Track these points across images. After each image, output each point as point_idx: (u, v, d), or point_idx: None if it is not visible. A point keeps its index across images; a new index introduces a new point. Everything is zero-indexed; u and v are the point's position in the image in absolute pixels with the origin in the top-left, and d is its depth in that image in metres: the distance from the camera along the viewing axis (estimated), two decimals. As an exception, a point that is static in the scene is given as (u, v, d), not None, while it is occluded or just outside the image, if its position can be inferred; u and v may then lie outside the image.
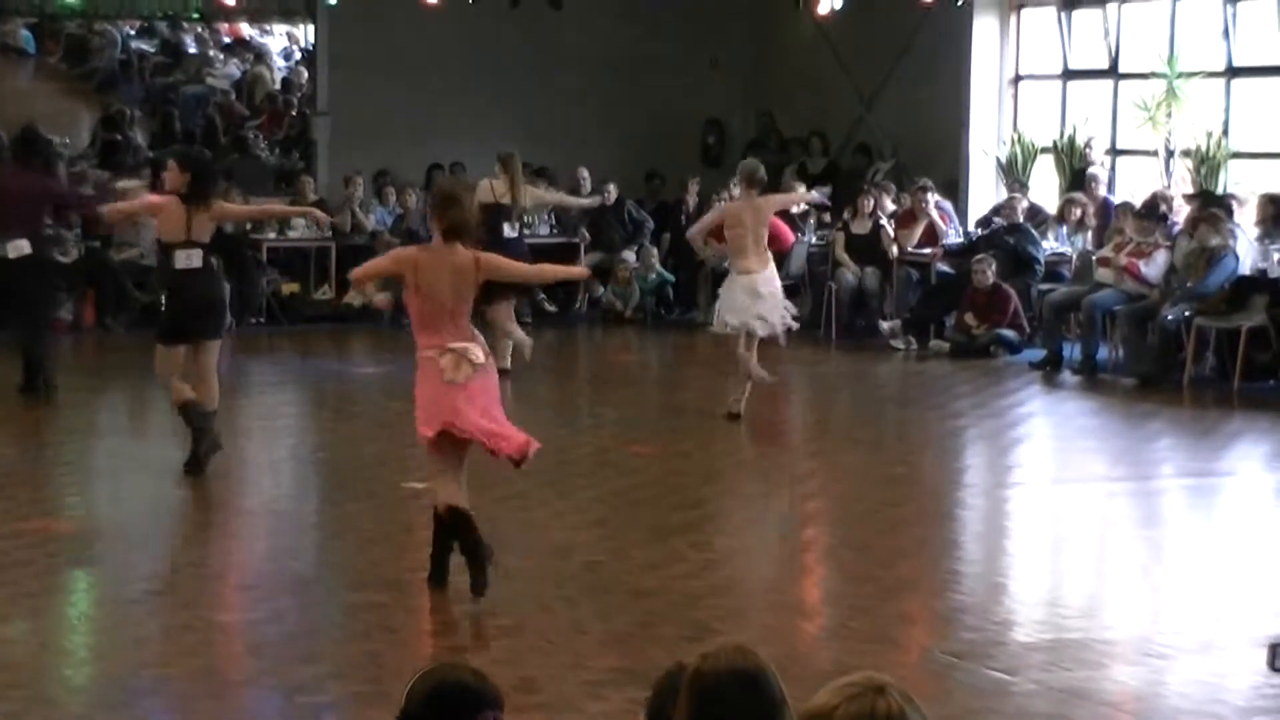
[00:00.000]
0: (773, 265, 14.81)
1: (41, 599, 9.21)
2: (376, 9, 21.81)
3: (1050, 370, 17.31)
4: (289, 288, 20.58)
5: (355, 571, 9.74)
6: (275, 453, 13.82)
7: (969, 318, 18.36)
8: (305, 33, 26.65)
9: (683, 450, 13.43)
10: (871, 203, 19.92)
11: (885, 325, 19.26)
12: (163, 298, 12.85)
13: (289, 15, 26.06)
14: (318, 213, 15.17)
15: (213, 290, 12.51)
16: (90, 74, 26.80)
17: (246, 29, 29.24)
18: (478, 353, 9.27)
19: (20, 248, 14.88)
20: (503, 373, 16.96)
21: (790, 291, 20.39)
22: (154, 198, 12.93)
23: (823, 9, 21.21)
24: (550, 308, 21.40)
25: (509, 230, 16.52)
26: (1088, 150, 19.60)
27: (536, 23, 22.04)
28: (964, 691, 7.69)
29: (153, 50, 27.72)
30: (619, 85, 22.61)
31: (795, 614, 9.14)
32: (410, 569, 9.90)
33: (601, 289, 21.24)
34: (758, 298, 14.48)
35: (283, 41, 29.24)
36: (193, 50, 27.86)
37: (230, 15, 26.79)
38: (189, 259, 12.12)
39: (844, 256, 19.87)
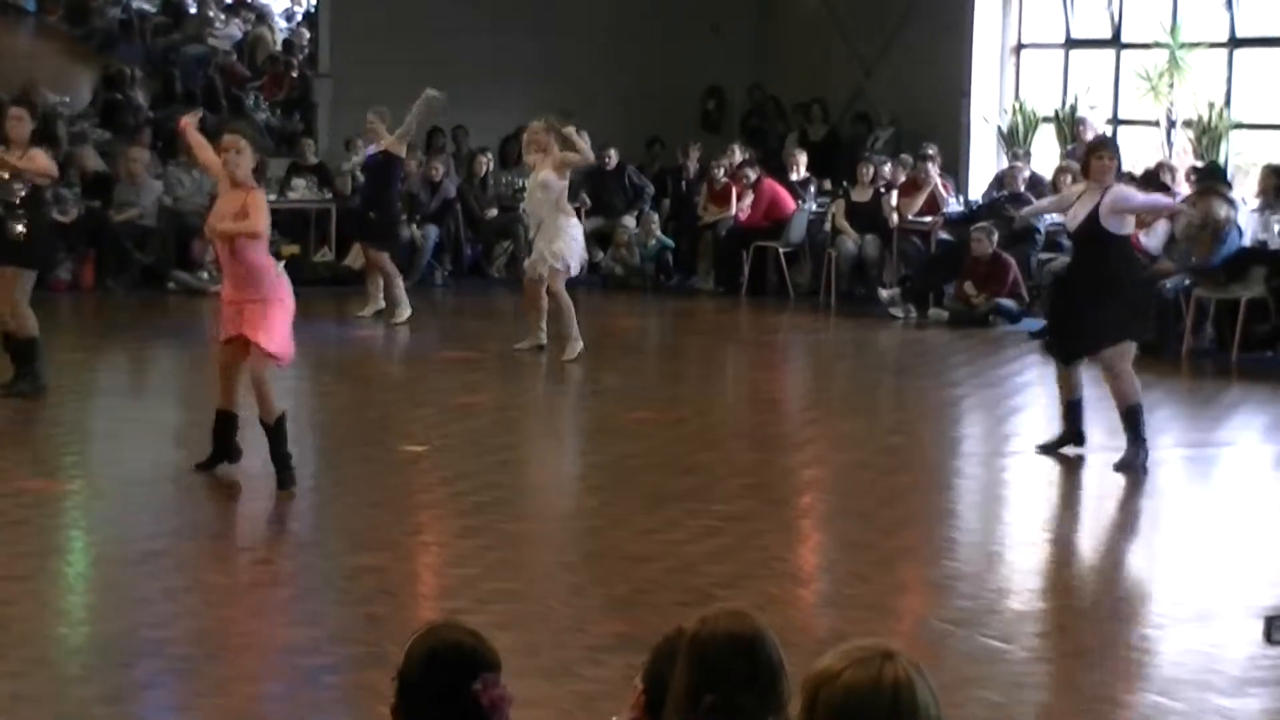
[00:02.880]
0: None
1: (40, 560, 9.22)
2: (378, -29, 21.79)
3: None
4: (289, 250, 20.51)
5: (354, 534, 9.75)
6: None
7: (968, 287, 18.37)
8: (307, -7, 26.63)
9: (682, 417, 13.45)
10: (871, 170, 19.91)
11: (885, 293, 19.26)
12: None
13: (291, -23, 26.05)
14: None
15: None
16: (91, 34, 26.75)
17: (248, -11, 29.18)
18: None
19: None
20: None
21: (790, 259, 20.53)
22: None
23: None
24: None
25: None
26: (1080, 125, 19.56)
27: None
28: (959, 659, 7.72)
29: (153, 10, 27.67)
30: (620, 50, 22.57)
31: (793, 581, 9.17)
32: (410, 532, 9.94)
33: (601, 254, 21.19)
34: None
35: (285, 2, 29.19)
36: (194, 10, 27.81)
37: (232, -24, 26.76)
38: None
39: (844, 224, 19.87)
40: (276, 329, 10.30)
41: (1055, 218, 18.89)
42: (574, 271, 15.62)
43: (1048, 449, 11.98)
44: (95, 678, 7.32)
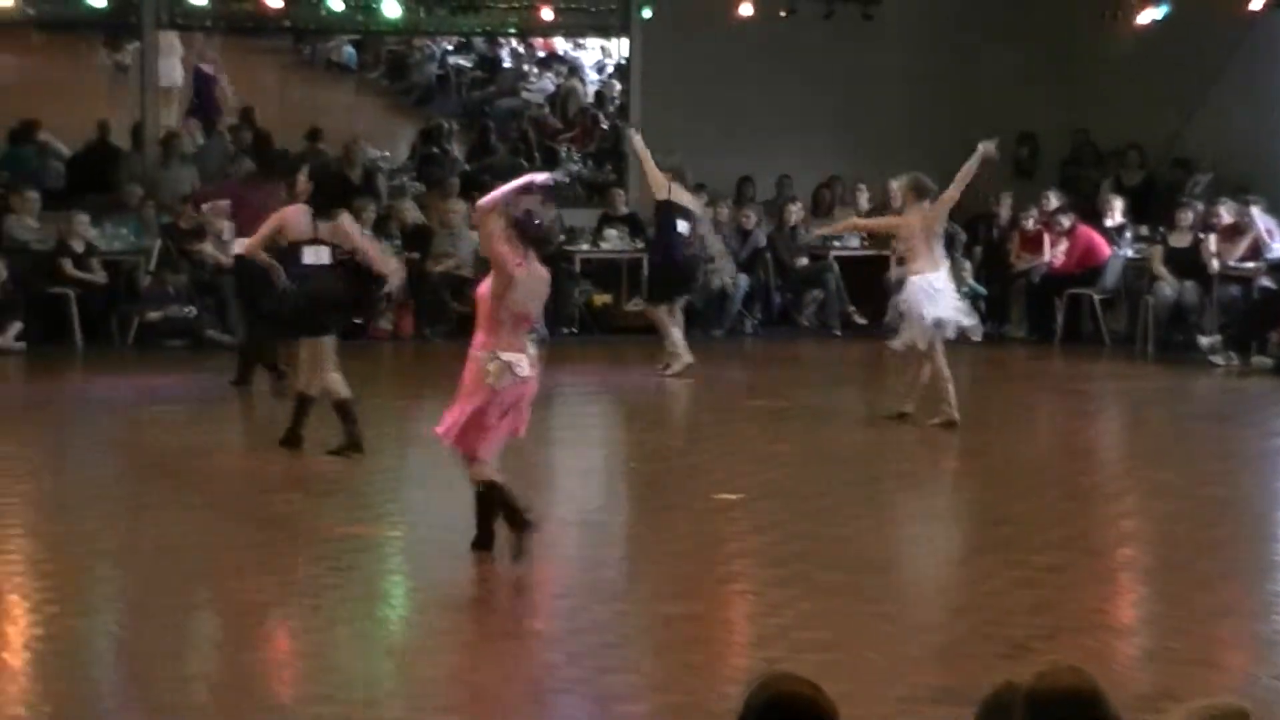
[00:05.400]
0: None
1: (366, 604, 9.44)
2: (689, 23, 21.96)
3: (1379, 388, 16.80)
4: (601, 299, 20.83)
5: (668, 582, 9.81)
6: (587, 463, 14.00)
7: (1292, 333, 17.90)
8: (618, 46, 26.93)
9: (995, 466, 13.30)
10: (1191, 216, 19.54)
11: (1205, 340, 18.84)
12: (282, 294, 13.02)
13: (603, 30, 26.36)
14: (394, 269, 13.84)
15: (334, 287, 12.92)
16: (409, 89, 27.48)
17: (560, 43, 29.67)
18: (524, 365, 9.84)
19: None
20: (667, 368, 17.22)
21: (1105, 305, 20.22)
22: (280, 212, 13.08)
23: (1142, 19, 20.88)
24: (860, 320, 21.30)
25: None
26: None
27: (848, 35, 22.00)
28: (1292, 719, 7.50)
29: (470, 65, 28.29)
30: (930, 97, 22.43)
31: (1112, 634, 8.99)
32: (723, 580, 9.96)
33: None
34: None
35: (596, 55, 29.60)
36: (508, 65, 28.38)
37: (546, 30, 27.17)
38: (317, 254, 12.79)
39: (1162, 270, 19.51)
40: (455, 410, 9.93)
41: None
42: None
43: None
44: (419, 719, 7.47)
